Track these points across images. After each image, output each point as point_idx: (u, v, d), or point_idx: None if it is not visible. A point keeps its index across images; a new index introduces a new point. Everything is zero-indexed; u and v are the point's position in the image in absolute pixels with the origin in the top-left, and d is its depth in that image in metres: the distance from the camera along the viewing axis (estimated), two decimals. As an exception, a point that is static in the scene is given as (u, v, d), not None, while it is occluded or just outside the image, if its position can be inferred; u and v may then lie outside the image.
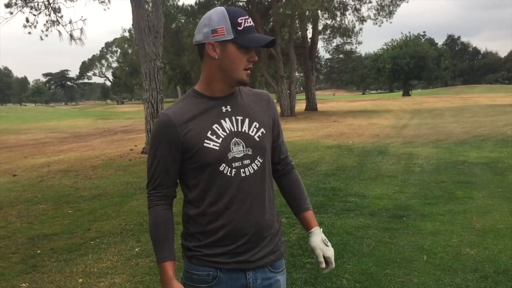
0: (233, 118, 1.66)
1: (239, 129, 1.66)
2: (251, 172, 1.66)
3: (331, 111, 30.72)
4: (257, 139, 1.68)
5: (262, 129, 1.70)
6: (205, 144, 1.61)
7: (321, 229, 1.84)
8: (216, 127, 1.63)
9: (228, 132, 1.64)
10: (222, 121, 1.64)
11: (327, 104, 40.13)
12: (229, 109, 1.66)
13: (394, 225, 5.15)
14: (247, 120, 1.68)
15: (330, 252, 1.77)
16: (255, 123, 1.69)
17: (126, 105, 76.44)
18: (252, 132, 1.67)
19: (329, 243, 1.79)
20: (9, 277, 4.21)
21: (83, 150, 14.79)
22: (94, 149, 14.88)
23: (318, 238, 1.79)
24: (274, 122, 1.79)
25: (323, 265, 1.76)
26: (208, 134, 1.62)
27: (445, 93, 56.43)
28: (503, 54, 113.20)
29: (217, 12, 1.59)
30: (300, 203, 1.86)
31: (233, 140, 1.64)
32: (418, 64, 66.27)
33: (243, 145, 1.65)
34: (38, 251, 4.89)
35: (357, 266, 4.04)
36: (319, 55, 40.32)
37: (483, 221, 5.14)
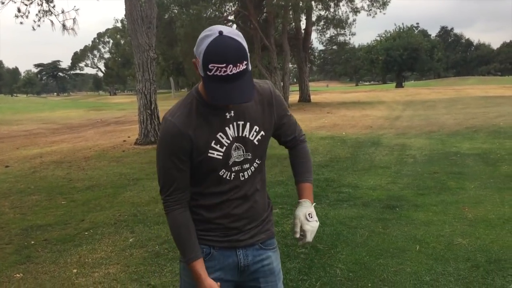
0: (235, 123, 1.65)
1: (240, 134, 1.66)
2: (249, 174, 1.71)
3: (325, 103, 30.76)
4: (256, 143, 1.69)
5: (262, 132, 1.70)
6: (209, 154, 1.63)
7: (314, 204, 1.83)
8: (220, 135, 1.63)
9: (231, 139, 1.65)
10: (227, 128, 1.64)
11: (321, 96, 40.17)
12: (232, 115, 1.64)
13: (387, 216, 5.19)
14: (248, 124, 1.67)
15: (308, 226, 1.75)
16: (255, 127, 1.68)
17: (118, 96, 76.11)
18: (252, 136, 1.68)
19: (312, 218, 1.77)
20: (3, 267, 4.20)
21: (75, 141, 14.73)
22: (87, 140, 14.82)
23: (302, 210, 1.78)
24: (276, 118, 1.75)
25: (297, 235, 1.76)
26: (213, 144, 1.63)
27: (438, 85, 56.69)
28: (495, 46, 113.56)
29: (204, 41, 1.45)
30: (299, 175, 1.87)
31: (234, 145, 1.65)
32: (411, 56, 66.34)
33: (243, 150, 1.67)
34: (32, 242, 4.88)
35: (351, 256, 4.07)
36: (312, 46, 40.19)
37: (475, 211, 5.19)
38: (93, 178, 8.24)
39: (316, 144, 11.01)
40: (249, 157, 1.68)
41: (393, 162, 8.51)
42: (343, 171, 7.85)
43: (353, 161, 8.72)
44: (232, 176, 1.67)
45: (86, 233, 5.12)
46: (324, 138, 12.05)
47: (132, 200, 6.50)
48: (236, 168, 1.67)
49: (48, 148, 13.25)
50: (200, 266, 1.67)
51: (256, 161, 1.71)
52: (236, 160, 1.66)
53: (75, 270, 4.07)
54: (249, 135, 1.67)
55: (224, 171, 1.65)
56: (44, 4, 14.30)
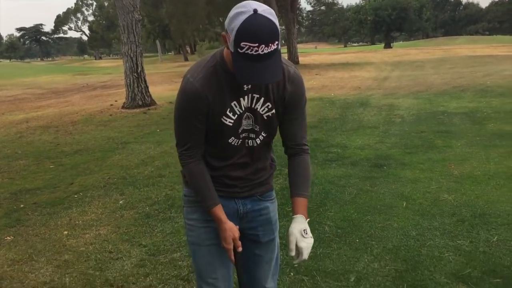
0: (251, 95, 1.68)
1: (252, 106, 1.70)
2: (255, 144, 1.78)
3: (313, 64, 30.52)
4: (265, 117, 1.73)
5: (273, 110, 1.72)
6: (222, 120, 1.68)
7: (308, 219, 1.79)
8: (234, 104, 1.67)
9: (243, 109, 1.69)
10: (241, 99, 1.67)
11: (309, 57, 39.78)
12: (250, 87, 1.66)
13: (375, 174, 5.25)
14: (262, 99, 1.69)
15: (303, 243, 1.70)
16: (268, 104, 1.70)
17: (104, 60, 74.80)
18: (263, 110, 1.71)
19: (307, 235, 1.72)
20: (-7, 231, 4.21)
21: (62, 106, 14.54)
22: (73, 105, 14.64)
23: (297, 226, 1.73)
24: (287, 104, 1.73)
25: (293, 253, 1.71)
26: (227, 112, 1.67)
27: (426, 45, 56.45)
28: (484, 4, 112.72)
29: (238, 18, 1.41)
30: (294, 188, 1.83)
31: (245, 114, 1.70)
32: (400, 16, 65.73)
33: (252, 120, 1.72)
34: (21, 206, 4.88)
35: (339, 213, 4.13)
36: (300, 7, 39.62)
37: (461, 168, 5.27)
38: (81, 142, 8.19)
39: (304, 106, 10.99)
40: (256, 129, 1.74)
41: (381, 122, 8.56)
42: (331, 131, 7.88)
43: (341, 122, 8.75)
44: (239, 142, 1.74)
45: (75, 196, 5.13)
46: (313, 100, 12.02)
47: (121, 163, 6.49)
48: (244, 135, 1.73)
49: (34, 113, 13.09)
50: (219, 210, 1.75)
51: (262, 133, 1.76)
52: (245, 128, 1.72)
53: (65, 232, 4.09)
54: (260, 108, 1.70)
55: (233, 138, 1.72)
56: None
